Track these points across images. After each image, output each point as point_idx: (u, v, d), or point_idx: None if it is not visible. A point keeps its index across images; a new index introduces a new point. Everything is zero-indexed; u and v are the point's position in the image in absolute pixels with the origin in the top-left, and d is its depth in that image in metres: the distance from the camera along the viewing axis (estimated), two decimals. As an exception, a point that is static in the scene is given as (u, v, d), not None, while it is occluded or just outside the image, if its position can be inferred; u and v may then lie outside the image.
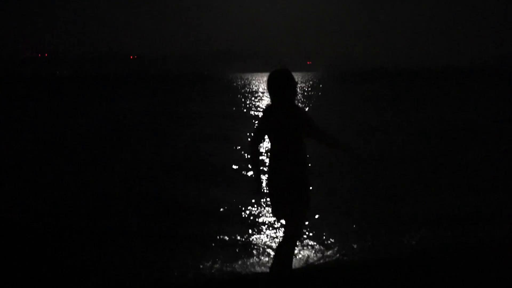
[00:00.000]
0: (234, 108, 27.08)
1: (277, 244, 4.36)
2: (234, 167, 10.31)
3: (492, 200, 7.33)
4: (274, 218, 6.39)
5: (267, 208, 7.14)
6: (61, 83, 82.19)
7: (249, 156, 4.12)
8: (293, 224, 4.13)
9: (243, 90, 53.09)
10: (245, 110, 25.85)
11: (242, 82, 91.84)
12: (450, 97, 29.84)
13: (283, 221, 4.22)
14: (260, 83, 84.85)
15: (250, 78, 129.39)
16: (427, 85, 50.80)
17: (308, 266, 5.13)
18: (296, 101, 4.14)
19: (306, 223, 4.48)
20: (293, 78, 4.10)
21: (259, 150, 4.27)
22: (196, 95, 42.27)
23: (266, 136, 4.17)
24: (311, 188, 4.18)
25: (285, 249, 4.21)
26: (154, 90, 53.59)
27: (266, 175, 4.25)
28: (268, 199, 4.26)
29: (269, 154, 4.29)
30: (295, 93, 4.12)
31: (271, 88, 4.11)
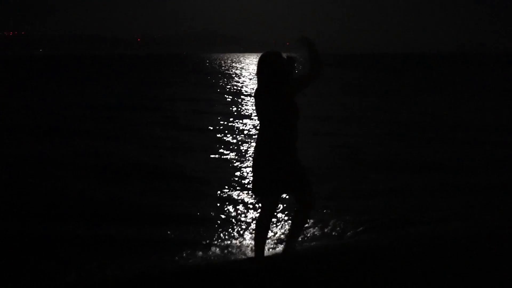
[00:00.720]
0: (210, 92, 26.56)
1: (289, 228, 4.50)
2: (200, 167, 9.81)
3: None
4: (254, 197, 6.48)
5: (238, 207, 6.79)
6: (36, 63, 79.79)
7: None
8: (304, 198, 4.17)
9: (220, 72, 52.43)
10: (224, 95, 25.29)
11: (219, 63, 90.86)
12: (428, 85, 29.68)
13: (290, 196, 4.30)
14: (236, 64, 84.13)
15: (227, 59, 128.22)
16: (406, 71, 50.67)
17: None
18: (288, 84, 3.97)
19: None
20: (283, 62, 3.98)
21: None
22: (172, 78, 41.49)
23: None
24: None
25: (298, 228, 4.39)
26: (131, 72, 52.43)
27: (253, 158, 4.18)
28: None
29: (258, 137, 4.17)
30: (288, 75, 3.98)
31: (264, 72, 3.99)
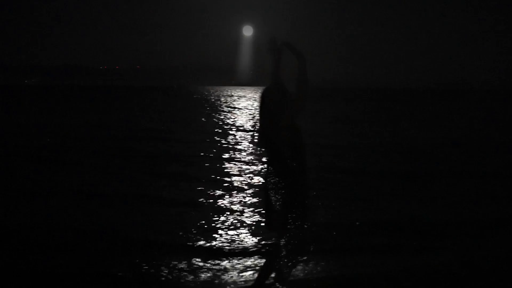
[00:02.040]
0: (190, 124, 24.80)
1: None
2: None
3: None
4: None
5: None
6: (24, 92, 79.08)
7: None
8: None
9: (214, 104, 50.98)
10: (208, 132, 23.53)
11: (210, 96, 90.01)
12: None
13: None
14: (227, 97, 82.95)
15: (218, 92, 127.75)
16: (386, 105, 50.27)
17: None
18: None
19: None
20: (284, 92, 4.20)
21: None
22: (163, 110, 40.34)
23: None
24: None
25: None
26: (120, 102, 51.23)
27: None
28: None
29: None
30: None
31: (268, 104, 4.15)
